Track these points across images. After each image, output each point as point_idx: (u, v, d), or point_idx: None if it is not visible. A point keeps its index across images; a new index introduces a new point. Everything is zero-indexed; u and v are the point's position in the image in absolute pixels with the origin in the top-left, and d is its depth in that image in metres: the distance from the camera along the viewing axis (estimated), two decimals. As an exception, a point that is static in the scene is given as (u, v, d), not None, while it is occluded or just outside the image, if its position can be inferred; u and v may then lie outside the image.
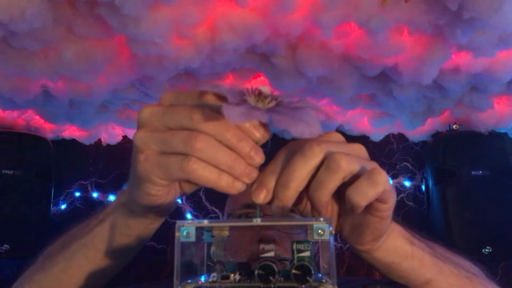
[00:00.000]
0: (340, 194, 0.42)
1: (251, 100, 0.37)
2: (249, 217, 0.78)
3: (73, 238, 0.54)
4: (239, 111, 0.35)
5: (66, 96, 1.62)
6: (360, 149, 0.42)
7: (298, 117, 0.36)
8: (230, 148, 0.37)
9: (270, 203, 0.41)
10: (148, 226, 0.48)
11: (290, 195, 0.39)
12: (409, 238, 0.51)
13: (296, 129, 0.35)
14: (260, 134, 0.38)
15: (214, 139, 0.37)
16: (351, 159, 0.39)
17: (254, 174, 0.39)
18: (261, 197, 0.40)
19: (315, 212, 0.42)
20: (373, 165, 0.40)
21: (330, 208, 0.46)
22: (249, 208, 0.81)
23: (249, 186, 0.40)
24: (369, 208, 0.41)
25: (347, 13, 1.24)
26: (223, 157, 0.37)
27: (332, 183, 0.39)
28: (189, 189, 0.46)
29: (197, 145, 0.36)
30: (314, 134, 0.35)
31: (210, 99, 0.39)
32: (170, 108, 0.39)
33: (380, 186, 0.38)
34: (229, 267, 0.40)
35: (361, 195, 0.38)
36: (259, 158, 0.38)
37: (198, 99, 0.39)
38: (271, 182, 0.40)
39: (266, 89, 0.38)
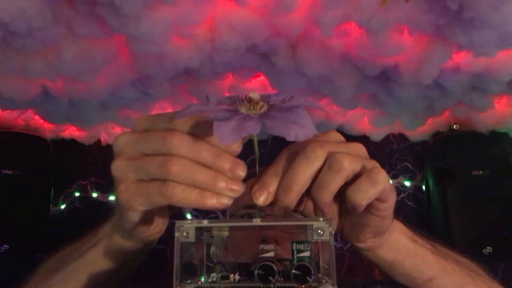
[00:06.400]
0: (340, 193, 0.42)
1: (243, 109, 0.37)
2: (251, 217, 0.78)
3: (65, 261, 0.53)
4: (230, 128, 0.35)
5: (65, 96, 1.62)
6: (360, 148, 0.42)
7: (291, 120, 0.36)
8: (208, 166, 0.37)
9: (271, 204, 0.41)
10: (140, 250, 0.48)
11: (292, 198, 0.39)
12: (411, 235, 0.51)
13: (290, 133, 0.35)
14: (236, 147, 0.38)
15: (189, 160, 0.37)
16: (353, 159, 0.39)
17: (239, 187, 0.38)
18: (262, 199, 0.40)
19: (318, 212, 0.42)
20: (373, 164, 0.40)
21: (331, 208, 0.46)
22: (251, 208, 0.80)
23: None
24: (370, 207, 0.41)
25: (347, 13, 1.24)
26: (201, 176, 0.36)
27: (335, 183, 0.39)
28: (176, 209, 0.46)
29: (172, 169, 0.36)
30: (309, 136, 0.35)
31: (184, 124, 0.38)
32: (143, 134, 0.39)
33: (380, 185, 0.38)
34: (229, 267, 0.40)
35: (362, 195, 0.38)
36: (240, 170, 0.37)
37: (171, 121, 0.38)
38: (272, 185, 0.40)
39: (255, 94, 0.38)
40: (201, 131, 0.38)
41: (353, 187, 0.38)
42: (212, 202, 0.37)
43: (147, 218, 0.42)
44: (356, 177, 0.39)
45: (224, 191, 0.37)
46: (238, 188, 0.37)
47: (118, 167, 0.39)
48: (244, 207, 0.83)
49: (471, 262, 0.58)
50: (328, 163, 0.39)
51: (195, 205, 0.37)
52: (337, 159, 0.38)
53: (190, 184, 0.36)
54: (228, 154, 0.37)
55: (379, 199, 0.40)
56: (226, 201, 0.37)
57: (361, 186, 0.38)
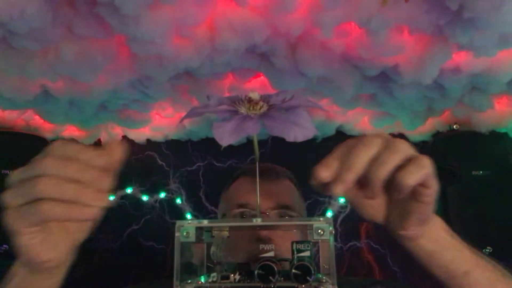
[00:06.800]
0: (386, 187, 0.47)
1: (243, 109, 0.37)
2: (243, 216, 0.78)
3: None
4: (229, 128, 0.36)
5: (65, 96, 1.62)
6: (407, 142, 0.47)
7: (291, 121, 0.36)
8: (75, 181, 0.40)
9: (325, 185, 0.44)
10: (50, 281, 0.49)
11: (352, 177, 0.44)
12: (448, 230, 0.55)
13: (290, 134, 0.36)
14: (102, 161, 0.41)
15: (57, 178, 0.40)
16: (408, 145, 0.46)
17: (104, 197, 0.41)
18: (325, 174, 0.44)
19: (370, 192, 0.46)
20: (418, 154, 0.46)
21: (378, 200, 0.51)
22: (244, 207, 0.81)
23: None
24: (415, 194, 0.46)
25: (347, 13, 1.24)
26: (67, 190, 0.40)
27: (393, 161, 0.44)
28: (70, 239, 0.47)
29: (40, 188, 0.39)
30: (309, 136, 0.38)
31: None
32: (27, 165, 0.43)
33: (426, 169, 0.44)
34: (229, 267, 0.40)
35: (411, 177, 0.43)
36: (103, 182, 0.41)
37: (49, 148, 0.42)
38: (334, 166, 0.45)
39: (255, 94, 0.38)
40: (74, 151, 0.41)
41: (403, 170, 0.44)
42: (79, 213, 0.40)
43: (42, 244, 0.44)
44: (406, 162, 0.44)
45: (90, 202, 0.40)
46: (103, 199, 0.41)
47: (5, 196, 0.42)
48: (237, 206, 0.83)
49: (499, 264, 0.61)
50: (388, 146, 0.45)
51: (66, 218, 0.40)
52: (397, 142, 0.45)
53: (60, 199, 0.40)
54: (93, 168, 0.41)
55: (423, 185, 0.45)
56: (93, 212, 0.41)
57: (411, 168, 0.44)
